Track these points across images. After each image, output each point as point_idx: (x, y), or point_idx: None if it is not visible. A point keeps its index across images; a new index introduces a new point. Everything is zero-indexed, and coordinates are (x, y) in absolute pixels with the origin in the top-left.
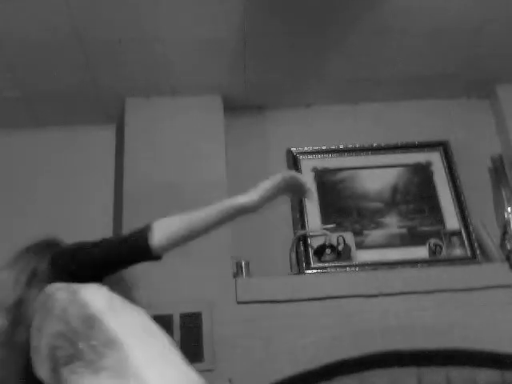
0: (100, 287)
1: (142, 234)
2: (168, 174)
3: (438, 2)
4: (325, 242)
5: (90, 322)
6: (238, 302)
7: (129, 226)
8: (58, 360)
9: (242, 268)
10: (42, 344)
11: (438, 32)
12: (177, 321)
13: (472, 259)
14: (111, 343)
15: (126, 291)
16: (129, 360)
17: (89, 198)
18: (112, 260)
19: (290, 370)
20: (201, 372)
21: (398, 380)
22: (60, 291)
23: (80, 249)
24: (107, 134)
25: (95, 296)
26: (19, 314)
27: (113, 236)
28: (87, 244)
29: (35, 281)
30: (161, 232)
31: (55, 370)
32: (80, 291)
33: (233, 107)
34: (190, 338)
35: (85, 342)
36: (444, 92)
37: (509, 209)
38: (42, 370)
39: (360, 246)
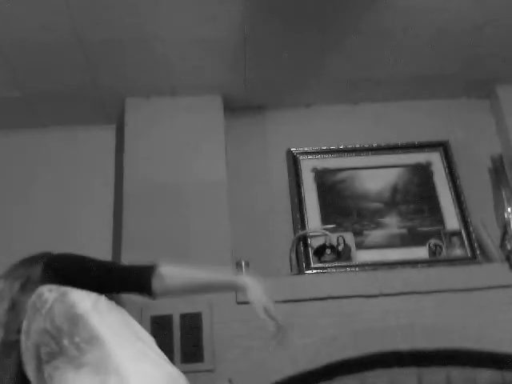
0: (88, 292)
1: (147, 276)
2: (168, 174)
3: (438, 1)
4: (325, 242)
5: (75, 320)
6: (238, 302)
7: (129, 226)
8: (42, 357)
9: (242, 268)
10: (29, 344)
11: (438, 32)
12: (177, 321)
13: (472, 259)
14: (94, 340)
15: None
16: (110, 357)
17: (89, 198)
18: (113, 287)
19: (290, 369)
20: (201, 372)
21: (397, 380)
22: (50, 292)
23: (86, 263)
24: (107, 134)
25: (83, 297)
26: (13, 317)
27: (118, 264)
28: (92, 262)
29: (29, 285)
30: (163, 282)
31: (39, 368)
32: (69, 293)
33: (233, 107)
34: (189, 338)
35: (68, 338)
36: (444, 92)
37: (509, 209)
38: (29, 370)
39: (360, 246)
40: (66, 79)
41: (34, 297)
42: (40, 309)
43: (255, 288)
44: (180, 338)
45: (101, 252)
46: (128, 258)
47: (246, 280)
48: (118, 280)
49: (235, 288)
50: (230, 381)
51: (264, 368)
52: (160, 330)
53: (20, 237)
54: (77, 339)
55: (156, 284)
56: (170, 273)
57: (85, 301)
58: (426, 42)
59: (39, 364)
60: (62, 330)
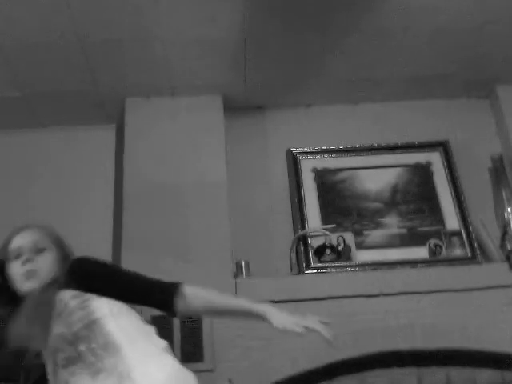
0: (109, 299)
1: (170, 294)
2: (168, 173)
3: (438, 1)
4: (325, 242)
5: (92, 325)
6: None
7: (129, 226)
8: (58, 362)
9: (242, 268)
10: (48, 346)
11: (438, 32)
12: (177, 321)
13: (472, 259)
14: (109, 346)
15: None
16: (124, 363)
17: (89, 198)
18: (135, 299)
19: (290, 369)
20: (201, 372)
21: (397, 380)
22: (73, 298)
23: (112, 271)
24: (107, 134)
25: (102, 304)
26: (36, 315)
27: (143, 276)
28: (118, 272)
29: (55, 283)
30: (185, 302)
31: (55, 371)
32: (91, 300)
33: (233, 107)
34: (189, 338)
35: (86, 344)
36: (444, 92)
37: (509, 209)
38: (48, 369)
39: (360, 246)
40: (66, 79)
41: (56, 300)
42: (60, 314)
43: (276, 314)
44: (180, 338)
45: (101, 252)
46: (128, 258)
47: (267, 309)
48: (140, 293)
49: (256, 316)
50: (230, 381)
51: (264, 368)
52: (160, 329)
53: None
54: (93, 345)
55: (178, 303)
56: (193, 294)
57: (104, 307)
58: (425, 42)
59: (55, 368)
60: (80, 336)
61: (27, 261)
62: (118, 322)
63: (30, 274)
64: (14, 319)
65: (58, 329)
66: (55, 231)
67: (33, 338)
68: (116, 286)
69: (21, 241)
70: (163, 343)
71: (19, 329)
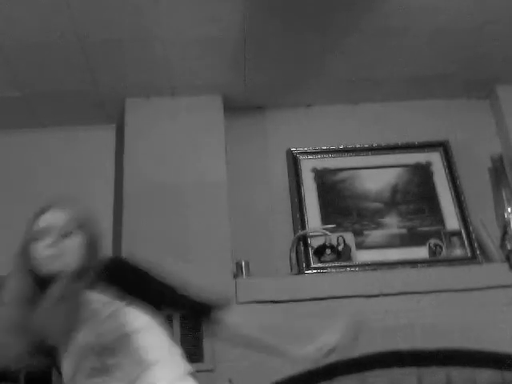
0: (141, 310)
1: (209, 307)
2: (168, 173)
3: (438, 1)
4: (325, 242)
5: (123, 340)
6: (238, 302)
7: (129, 226)
8: (81, 370)
9: (241, 268)
10: (70, 349)
11: (438, 32)
12: (177, 321)
13: (472, 259)
14: (138, 363)
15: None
16: (152, 382)
17: (89, 198)
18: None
19: (290, 369)
20: (201, 372)
21: (398, 380)
22: (103, 305)
23: (149, 280)
24: (107, 134)
25: (136, 317)
26: (58, 310)
27: (185, 292)
28: (156, 279)
29: (81, 277)
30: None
31: (74, 377)
32: (123, 310)
33: (233, 107)
34: (189, 338)
35: (113, 358)
36: (444, 92)
37: (509, 209)
38: (65, 370)
39: (360, 246)
40: (66, 79)
41: (84, 300)
42: (89, 319)
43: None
44: (180, 338)
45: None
46: None
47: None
48: (176, 305)
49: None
50: (230, 381)
51: (264, 368)
52: None
53: (20, 237)
54: (121, 360)
55: (222, 317)
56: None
57: (137, 320)
58: (425, 42)
59: (75, 374)
60: (109, 348)
61: (53, 244)
62: (149, 338)
63: (54, 258)
64: (37, 308)
65: (84, 335)
66: (85, 213)
67: (51, 334)
68: (151, 295)
69: (48, 221)
70: (188, 367)
71: (38, 321)
